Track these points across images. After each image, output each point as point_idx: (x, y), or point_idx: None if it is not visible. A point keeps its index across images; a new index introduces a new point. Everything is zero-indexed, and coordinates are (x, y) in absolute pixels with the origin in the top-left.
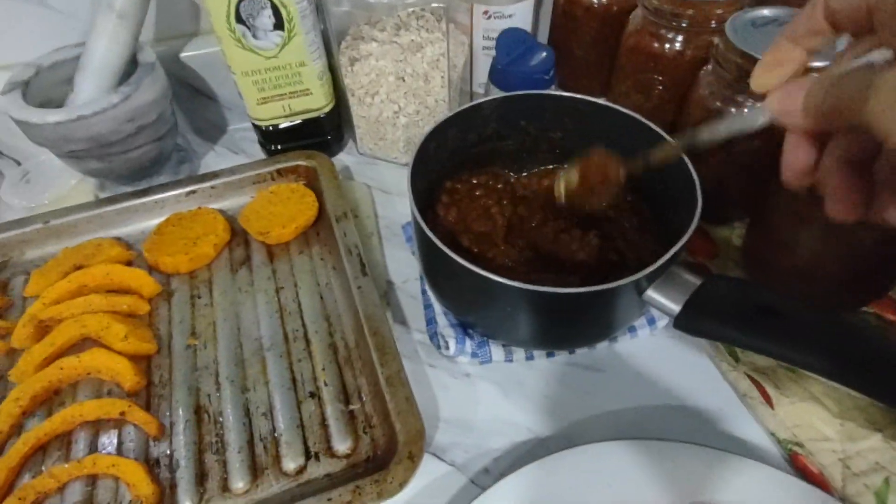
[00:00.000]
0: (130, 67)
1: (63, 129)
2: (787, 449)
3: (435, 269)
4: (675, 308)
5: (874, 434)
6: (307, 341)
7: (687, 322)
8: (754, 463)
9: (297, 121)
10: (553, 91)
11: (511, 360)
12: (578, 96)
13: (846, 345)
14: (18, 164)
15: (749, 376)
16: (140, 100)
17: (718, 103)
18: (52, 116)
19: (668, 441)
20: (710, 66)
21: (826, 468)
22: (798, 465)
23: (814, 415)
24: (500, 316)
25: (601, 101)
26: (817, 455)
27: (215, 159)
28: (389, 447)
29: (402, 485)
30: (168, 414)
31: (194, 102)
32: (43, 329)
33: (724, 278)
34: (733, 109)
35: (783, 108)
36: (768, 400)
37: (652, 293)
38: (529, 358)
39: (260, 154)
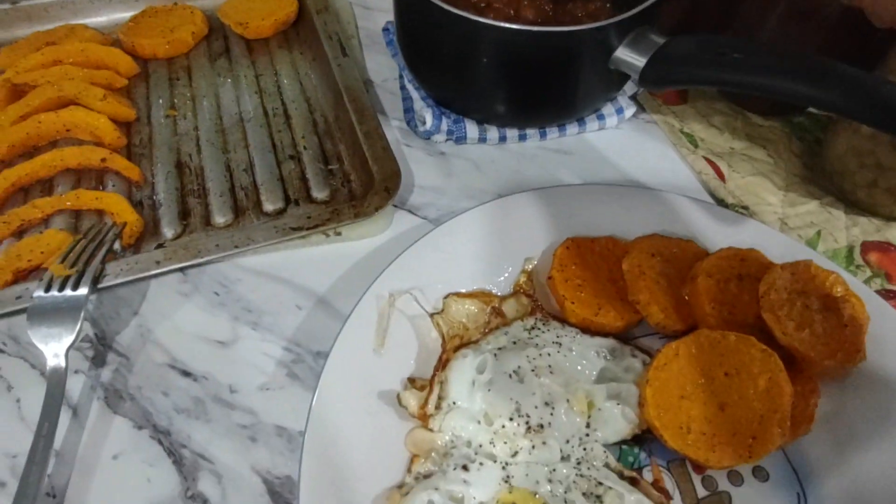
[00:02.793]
0: None
1: None
2: (734, 211)
3: (412, 28)
4: (642, 62)
5: (812, 201)
6: (287, 116)
7: (653, 73)
8: (701, 202)
9: None
10: None
11: (485, 140)
12: None
13: (808, 67)
14: None
15: (706, 158)
16: None
17: None
18: None
19: (624, 185)
20: None
21: (767, 224)
22: None
23: (760, 186)
24: (475, 77)
25: None
26: (760, 215)
27: None
28: (367, 190)
29: (377, 209)
30: (150, 168)
31: None
32: (17, 94)
33: (690, 33)
34: None
35: None
36: (721, 176)
37: (620, 53)
38: (503, 139)
39: None
